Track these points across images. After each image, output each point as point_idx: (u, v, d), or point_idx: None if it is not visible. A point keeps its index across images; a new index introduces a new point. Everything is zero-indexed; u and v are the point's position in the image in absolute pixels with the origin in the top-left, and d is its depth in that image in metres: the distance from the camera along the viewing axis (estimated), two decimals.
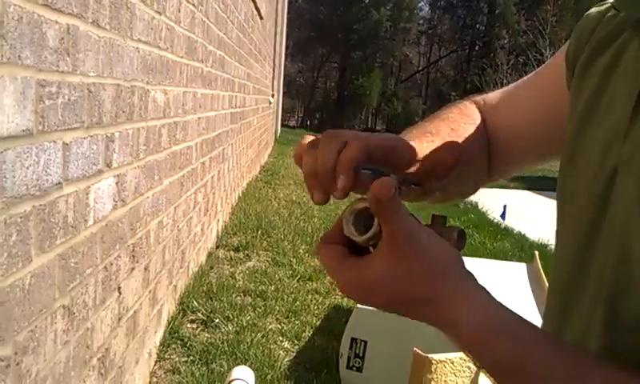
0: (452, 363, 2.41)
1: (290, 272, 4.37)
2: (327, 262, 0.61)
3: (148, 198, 2.55)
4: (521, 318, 0.59)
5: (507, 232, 6.89)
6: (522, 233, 6.73)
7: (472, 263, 3.65)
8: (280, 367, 2.86)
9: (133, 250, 2.35)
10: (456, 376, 2.37)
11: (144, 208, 2.49)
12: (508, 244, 6.12)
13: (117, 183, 2.09)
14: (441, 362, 2.39)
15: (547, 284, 2.99)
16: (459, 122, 0.87)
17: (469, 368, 2.39)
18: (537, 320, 2.47)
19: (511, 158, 0.93)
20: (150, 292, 2.66)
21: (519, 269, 3.40)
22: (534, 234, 6.45)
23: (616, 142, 0.66)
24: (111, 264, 2.07)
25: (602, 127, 0.70)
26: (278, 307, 3.63)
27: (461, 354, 2.46)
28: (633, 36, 0.69)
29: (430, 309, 0.59)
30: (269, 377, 2.70)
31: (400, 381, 2.42)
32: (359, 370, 2.64)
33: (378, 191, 0.55)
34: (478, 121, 0.90)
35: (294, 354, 3.10)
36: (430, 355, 2.34)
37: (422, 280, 0.58)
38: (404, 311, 0.62)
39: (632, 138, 0.63)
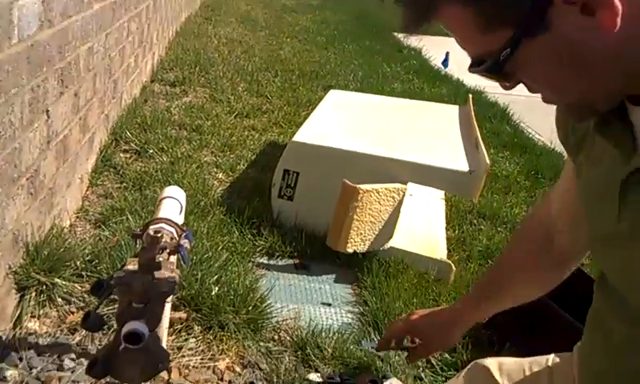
0: (377, 193, 2.54)
1: (228, 109, 4.36)
2: None
3: (77, 21, 2.45)
4: None
5: (446, 79, 6.97)
6: (461, 80, 6.82)
7: (409, 104, 3.72)
8: (214, 195, 2.95)
9: (61, 75, 2.29)
10: (380, 204, 2.51)
11: (73, 31, 2.39)
12: (445, 90, 6.21)
13: (42, 2, 1.99)
14: (367, 191, 2.52)
15: (476, 125, 3.10)
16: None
17: (392, 198, 2.53)
18: (458, 149, 2.57)
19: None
20: (80, 119, 2.63)
21: (452, 110, 3.51)
22: (471, 82, 6.55)
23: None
24: (38, 86, 2.02)
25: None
26: (213, 141, 3.66)
27: (386, 185, 2.60)
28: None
29: None
30: (202, 203, 2.79)
31: (327, 208, 2.55)
32: (290, 198, 2.76)
33: None
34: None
35: (228, 184, 3.19)
36: (357, 185, 2.46)
37: None
38: None
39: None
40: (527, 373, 1.25)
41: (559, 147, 4.76)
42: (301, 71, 5.89)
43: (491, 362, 1.52)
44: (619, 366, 0.82)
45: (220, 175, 3.28)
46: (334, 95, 3.59)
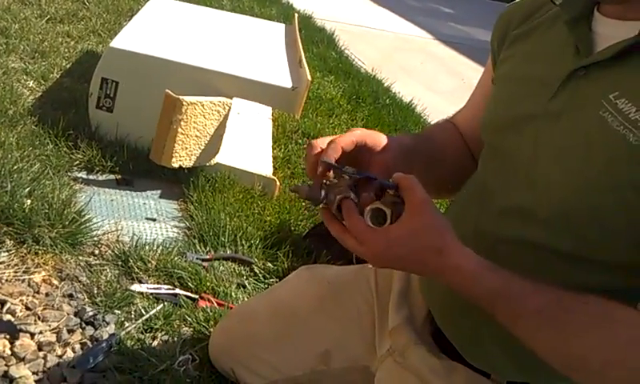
0: (202, 106, 2.50)
1: (39, 12, 3.94)
2: (358, 228, 0.82)
3: None
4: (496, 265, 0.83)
5: (276, 0, 6.93)
6: (290, 3, 6.83)
7: (235, 19, 3.66)
8: (24, 104, 2.70)
9: None
10: (205, 118, 2.48)
11: None
12: (275, 11, 6.18)
13: None
14: (192, 103, 2.46)
15: (300, 43, 3.13)
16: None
17: (218, 112, 2.51)
18: (282, 66, 2.62)
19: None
20: None
21: (278, 28, 3.51)
22: (301, 5, 6.58)
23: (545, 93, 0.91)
24: None
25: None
26: (22, 46, 3.32)
27: (211, 98, 2.56)
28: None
29: (439, 256, 0.80)
30: (10, 112, 2.54)
31: (151, 121, 2.46)
32: (110, 110, 2.61)
33: (403, 177, 0.83)
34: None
35: (40, 93, 2.94)
36: (181, 97, 2.39)
37: (437, 233, 0.81)
38: (416, 261, 0.82)
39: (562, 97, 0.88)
40: (352, 273, 1.35)
41: (380, 75, 5.01)
42: None
43: (318, 266, 1.62)
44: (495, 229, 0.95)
45: (31, 83, 3.00)
46: (156, 3, 3.40)
